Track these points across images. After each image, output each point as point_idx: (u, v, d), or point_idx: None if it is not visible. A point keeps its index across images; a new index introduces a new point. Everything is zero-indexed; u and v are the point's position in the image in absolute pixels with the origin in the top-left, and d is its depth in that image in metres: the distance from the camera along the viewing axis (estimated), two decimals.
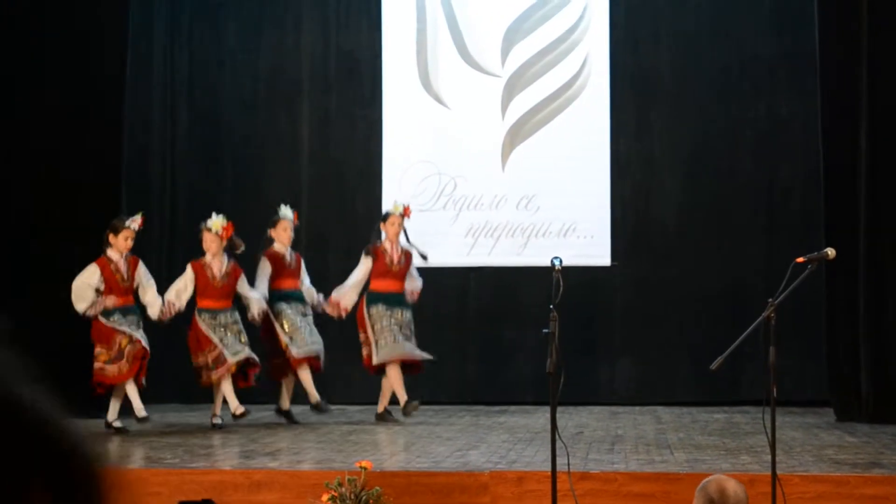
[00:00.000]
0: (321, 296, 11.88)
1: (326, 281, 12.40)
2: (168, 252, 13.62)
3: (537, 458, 8.96)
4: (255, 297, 11.44)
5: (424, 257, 12.00)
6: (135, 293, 11.26)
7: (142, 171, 13.56)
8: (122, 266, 11.14)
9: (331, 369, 12.10)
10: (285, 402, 11.75)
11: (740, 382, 12.57)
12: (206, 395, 11.70)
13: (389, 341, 11.51)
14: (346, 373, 12.83)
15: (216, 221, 11.39)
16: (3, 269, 11.88)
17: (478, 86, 14.00)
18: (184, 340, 11.51)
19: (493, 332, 13.46)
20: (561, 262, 7.65)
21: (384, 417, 11.66)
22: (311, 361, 11.64)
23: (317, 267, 12.99)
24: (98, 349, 11.00)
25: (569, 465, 7.44)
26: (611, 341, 13.28)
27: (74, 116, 12.15)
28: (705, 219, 13.18)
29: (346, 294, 11.73)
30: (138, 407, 10.99)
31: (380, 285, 11.72)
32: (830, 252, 7.88)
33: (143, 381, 11.10)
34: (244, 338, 11.42)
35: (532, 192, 13.63)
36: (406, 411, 11.48)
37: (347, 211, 13.99)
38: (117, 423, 11.02)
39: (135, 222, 11.13)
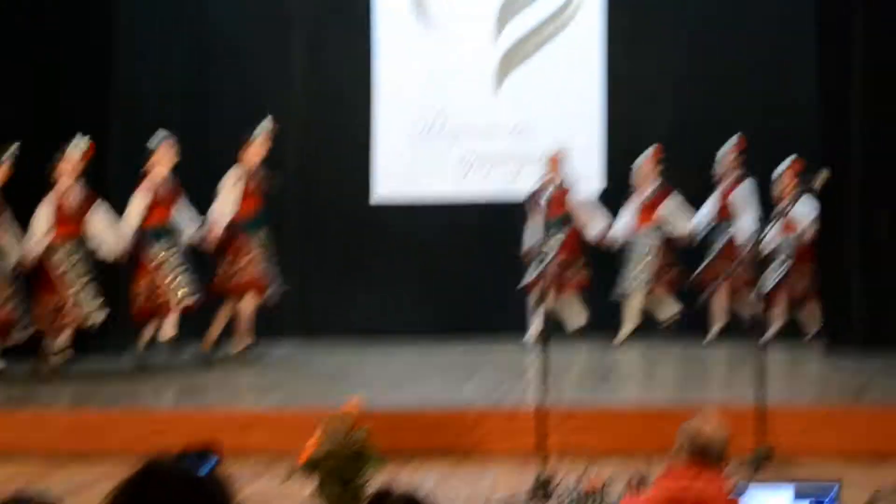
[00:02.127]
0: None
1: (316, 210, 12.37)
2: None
3: (526, 394, 8.98)
4: None
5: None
6: None
7: (133, 96, 13.23)
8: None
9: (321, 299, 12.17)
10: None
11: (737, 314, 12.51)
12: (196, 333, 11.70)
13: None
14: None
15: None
16: None
17: (471, 11, 13.83)
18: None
19: (487, 262, 13.34)
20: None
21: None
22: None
23: (306, 196, 13.04)
24: None
25: (554, 400, 7.47)
26: (599, 269, 13.08)
27: (62, 45, 12.05)
28: (700, 141, 13.05)
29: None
30: None
31: None
32: (822, 175, 7.86)
33: None
34: None
35: (525, 119, 13.55)
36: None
37: (339, 139, 13.86)
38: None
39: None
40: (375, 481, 6.77)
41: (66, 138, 11.07)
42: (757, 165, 12.50)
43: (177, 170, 11.54)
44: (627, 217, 12.50)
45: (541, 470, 7.09)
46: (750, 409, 7.73)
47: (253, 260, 11.55)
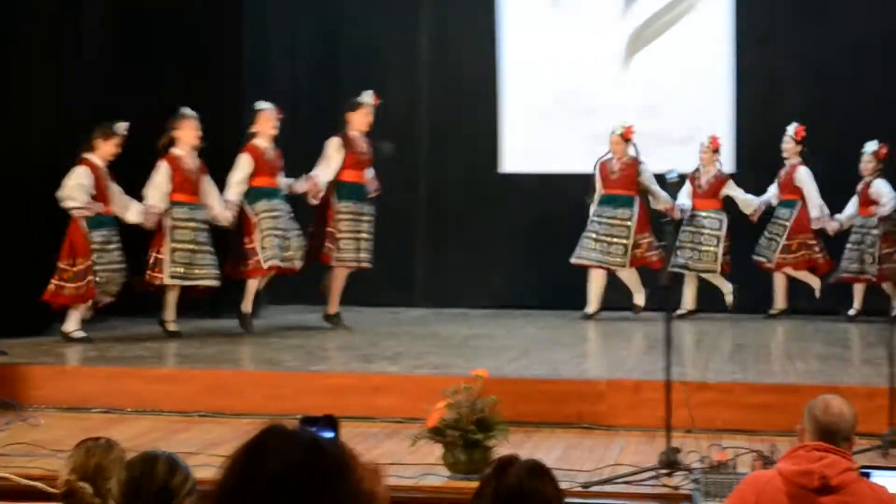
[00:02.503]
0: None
1: (444, 186, 12.51)
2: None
3: (655, 366, 8.95)
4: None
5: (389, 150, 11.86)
6: None
7: (264, 82, 13.53)
8: (104, 173, 10.82)
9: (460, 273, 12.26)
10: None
11: (869, 292, 12.37)
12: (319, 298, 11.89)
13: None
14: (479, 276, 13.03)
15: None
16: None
17: None
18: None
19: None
20: (678, 174, 7.61)
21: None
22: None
23: (435, 172, 13.14)
24: (63, 264, 10.57)
25: (683, 374, 7.44)
26: (733, 248, 13.06)
27: (192, 33, 12.27)
28: (830, 128, 12.89)
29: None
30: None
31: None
32: None
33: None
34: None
35: (653, 100, 13.48)
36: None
37: (466, 118, 13.96)
38: (78, 334, 10.69)
39: (122, 128, 10.79)
40: (501, 449, 6.84)
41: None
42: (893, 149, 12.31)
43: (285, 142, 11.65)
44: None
45: (668, 443, 7.09)
46: (883, 389, 7.62)
47: (335, 231, 11.46)
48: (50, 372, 9.11)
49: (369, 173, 11.64)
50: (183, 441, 7.51)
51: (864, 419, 7.25)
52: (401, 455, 7.10)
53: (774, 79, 13.41)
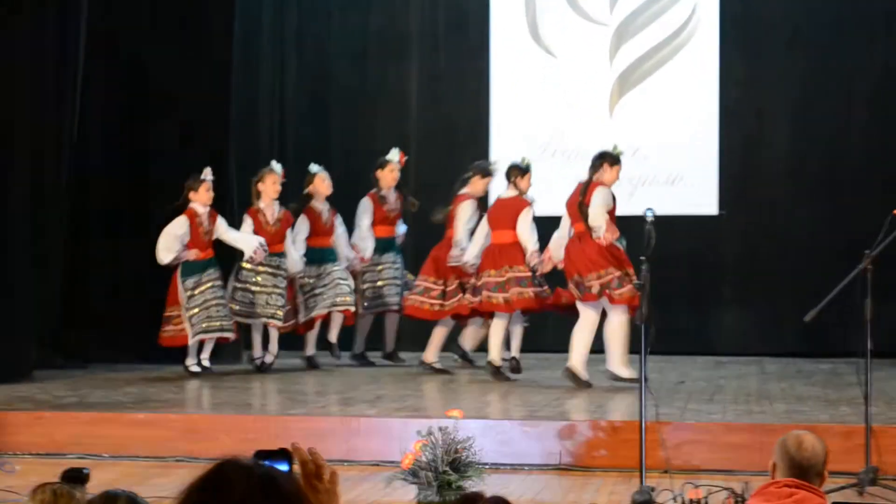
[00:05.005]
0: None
1: (432, 235, 12.57)
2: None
3: (633, 407, 8.94)
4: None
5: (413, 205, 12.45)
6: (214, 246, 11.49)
7: (251, 123, 13.66)
8: (205, 219, 11.34)
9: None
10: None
11: (849, 333, 12.36)
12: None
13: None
14: None
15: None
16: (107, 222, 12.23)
17: (586, 35, 13.93)
18: None
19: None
20: (653, 213, 7.63)
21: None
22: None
23: (423, 221, 13.14)
24: (170, 311, 11.27)
25: (658, 415, 7.45)
26: (718, 291, 13.15)
27: (182, 74, 12.31)
28: (814, 169, 12.97)
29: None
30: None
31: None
32: None
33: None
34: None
35: (639, 142, 13.53)
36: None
37: (456, 164, 13.98)
38: (195, 368, 11.36)
39: (208, 174, 11.29)
40: (476, 490, 6.82)
41: None
42: (875, 189, 12.34)
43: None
44: None
45: (641, 483, 7.08)
46: (860, 428, 7.63)
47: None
48: (27, 418, 9.10)
49: (400, 228, 12.48)
50: (158, 486, 7.48)
51: (842, 458, 7.32)
52: (375, 497, 7.08)
53: (760, 119, 13.46)
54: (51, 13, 11.51)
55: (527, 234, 10.81)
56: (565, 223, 10.65)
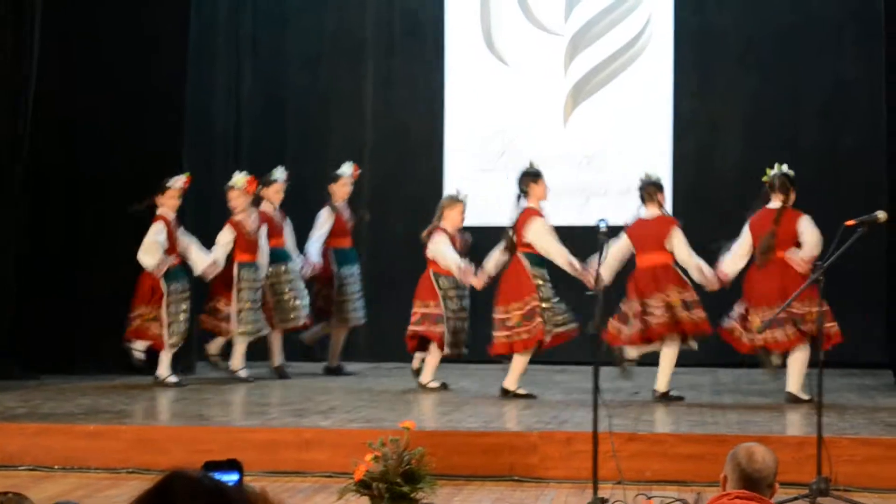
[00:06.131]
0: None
1: (386, 242, 12.52)
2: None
3: (587, 418, 8.94)
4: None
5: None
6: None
7: (205, 126, 13.56)
8: (175, 226, 11.33)
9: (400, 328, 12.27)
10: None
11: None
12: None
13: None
14: None
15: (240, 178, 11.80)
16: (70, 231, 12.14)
17: (540, 45, 13.97)
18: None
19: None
20: (607, 224, 7.64)
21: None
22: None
23: (376, 228, 13.11)
24: (141, 310, 11.23)
25: (611, 426, 7.45)
26: None
27: (136, 75, 12.21)
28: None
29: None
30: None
31: None
32: (881, 215, 7.82)
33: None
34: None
35: (593, 151, 13.58)
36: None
37: (409, 172, 14.01)
38: (171, 379, 11.30)
39: (179, 181, 11.28)
40: (429, 502, 6.81)
41: None
42: (825, 201, 12.41)
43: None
44: None
45: (594, 494, 7.08)
46: (812, 439, 7.66)
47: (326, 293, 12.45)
48: None
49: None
50: (109, 498, 7.44)
51: (794, 468, 7.36)
52: None
53: (713, 130, 13.54)
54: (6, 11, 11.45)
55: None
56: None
